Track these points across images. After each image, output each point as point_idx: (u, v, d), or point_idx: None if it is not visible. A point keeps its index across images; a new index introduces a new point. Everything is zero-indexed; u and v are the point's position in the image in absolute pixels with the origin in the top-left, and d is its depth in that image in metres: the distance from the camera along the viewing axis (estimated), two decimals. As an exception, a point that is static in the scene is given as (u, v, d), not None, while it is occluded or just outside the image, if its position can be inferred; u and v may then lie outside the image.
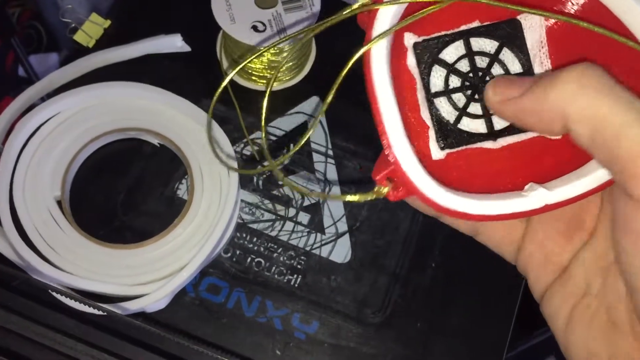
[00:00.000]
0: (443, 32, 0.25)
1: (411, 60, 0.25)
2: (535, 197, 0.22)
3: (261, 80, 0.52)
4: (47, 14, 0.92)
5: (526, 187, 0.23)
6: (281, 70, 0.52)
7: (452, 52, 0.25)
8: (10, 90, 0.83)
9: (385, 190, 0.23)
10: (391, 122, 0.22)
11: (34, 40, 0.96)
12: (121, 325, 0.35)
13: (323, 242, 0.48)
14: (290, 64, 0.51)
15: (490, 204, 0.22)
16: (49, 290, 0.39)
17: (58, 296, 0.42)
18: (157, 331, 0.35)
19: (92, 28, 0.53)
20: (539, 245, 0.24)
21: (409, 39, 0.25)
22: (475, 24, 0.25)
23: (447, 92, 0.25)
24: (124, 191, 0.48)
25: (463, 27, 0.25)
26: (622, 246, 0.19)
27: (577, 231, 0.23)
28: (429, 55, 0.25)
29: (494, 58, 0.25)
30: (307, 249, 0.48)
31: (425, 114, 0.25)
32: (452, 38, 0.25)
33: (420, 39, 0.25)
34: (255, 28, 0.48)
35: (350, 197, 0.23)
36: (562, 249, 0.23)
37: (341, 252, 0.48)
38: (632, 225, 0.19)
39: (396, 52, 0.24)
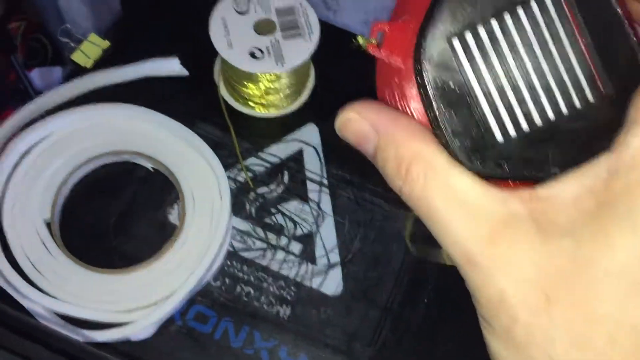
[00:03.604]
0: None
1: None
2: None
3: (258, 106, 0.52)
4: (52, 28, 0.93)
5: None
6: (279, 96, 0.51)
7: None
8: (14, 102, 0.83)
9: (372, 41, 0.21)
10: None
11: (38, 53, 0.97)
12: (96, 357, 0.35)
13: (314, 273, 0.47)
14: (288, 91, 0.51)
15: None
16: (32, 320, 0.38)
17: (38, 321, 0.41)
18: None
19: (91, 48, 0.53)
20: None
21: None
22: None
23: None
24: (115, 215, 0.48)
25: None
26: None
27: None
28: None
29: None
30: (298, 279, 0.47)
31: None
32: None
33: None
34: (252, 54, 0.47)
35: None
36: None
37: (332, 283, 0.47)
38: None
39: None
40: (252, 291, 0.46)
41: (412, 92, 0.21)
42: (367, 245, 0.48)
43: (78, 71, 0.53)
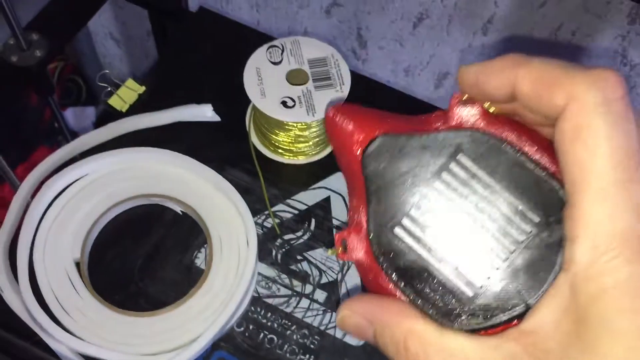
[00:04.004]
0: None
1: None
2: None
3: (287, 154, 0.52)
4: (88, 70, 0.96)
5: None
6: (308, 144, 0.52)
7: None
8: (47, 141, 0.86)
9: (338, 250, 0.24)
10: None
11: (73, 93, 1.00)
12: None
13: (338, 323, 0.47)
14: (317, 139, 0.52)
15: None
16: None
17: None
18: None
19: (127, 93, 0.54)
20: None
21: None
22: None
23: None
24: (142, 257, 0.48)
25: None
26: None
27: None
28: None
29: None
30: (322, 328, 0.47)
31: None
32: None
33: None
34: (284, 103, 0.48)
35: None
36: None
37: (356, 334, 0.46)
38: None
39: None
40: (275, 338, 0.46)
41: (385, 281, 0.23)
42: (392, 296, 0.48)
43: (114, 114, 0.54)
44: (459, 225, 0.23)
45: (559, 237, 0.22)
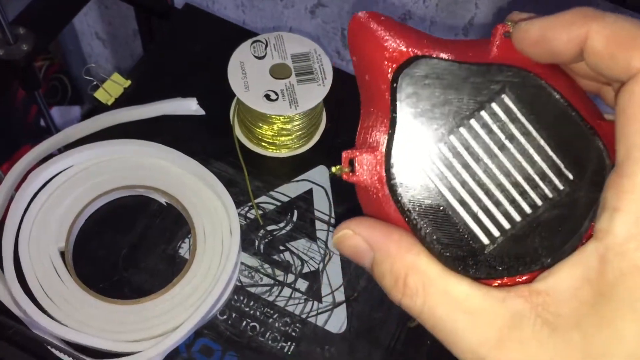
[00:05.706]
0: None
1: None
2: None
3: (270, 147, 0.53)
4: (74, 69, 0.96)
5: None
6: (291, 137, 0.53)
7: None
8: (30, 140, 0.86)
9: (345, 169, 0.22)
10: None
11: (58, 93, 1.00)
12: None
13: (319, 311, 0.48)
14: (300, 132, 0.53)
15: None
16: (43, 343, 0.39)
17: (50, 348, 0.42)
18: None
19: (113, 87, 0.55)
20: None
21: None
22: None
23: None
24: (126, 247, 0.49)
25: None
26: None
27: None
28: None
29: None
30: (303, 316, 0.47)
31: None
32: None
33: None
34: (267, 97, 0.50)
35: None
36: None
37: (337, 322, 0.47)
38: None
39: None
40: (257, 326, 0.47)
41: (393, 209, 0.22)
42: (373, 284, 0.49)
43: (99, 108, 0.55)
44: (487, 169, 0.21)
45: (591, 201, 0.21)
